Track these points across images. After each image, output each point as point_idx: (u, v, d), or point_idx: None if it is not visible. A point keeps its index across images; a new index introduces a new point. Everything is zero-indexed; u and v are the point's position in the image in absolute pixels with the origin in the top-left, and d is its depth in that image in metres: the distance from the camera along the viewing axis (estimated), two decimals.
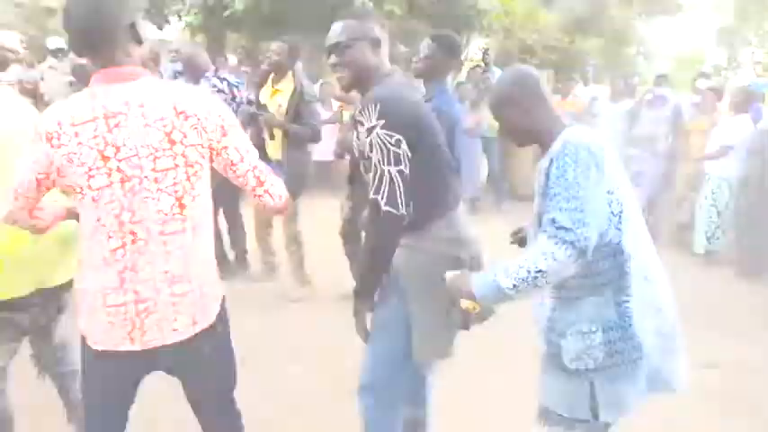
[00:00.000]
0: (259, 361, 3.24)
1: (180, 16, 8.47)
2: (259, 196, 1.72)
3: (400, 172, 1.82)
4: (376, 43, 1.96)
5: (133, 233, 1.51)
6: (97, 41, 1.47)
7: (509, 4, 8.48)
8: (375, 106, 1.82)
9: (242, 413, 1.88)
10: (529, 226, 1.97)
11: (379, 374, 2.06)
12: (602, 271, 1.70)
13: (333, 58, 1.97)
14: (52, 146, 1.45)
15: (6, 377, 2.06)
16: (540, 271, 1.56)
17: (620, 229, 1.68)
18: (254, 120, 4.25)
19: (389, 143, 1.81)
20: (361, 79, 1.96)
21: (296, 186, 3.77)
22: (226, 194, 4.00)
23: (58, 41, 6.80)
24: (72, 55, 4.55)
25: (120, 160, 1.47)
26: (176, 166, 1.52)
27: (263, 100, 4.28)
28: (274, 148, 4.21)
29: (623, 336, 1.71)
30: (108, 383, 1.65)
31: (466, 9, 8.40)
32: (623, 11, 15.14)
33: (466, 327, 2.06)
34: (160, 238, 1.53)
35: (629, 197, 1.75)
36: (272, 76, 4.26)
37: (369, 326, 2.03)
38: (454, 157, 2.98)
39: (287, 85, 4.16)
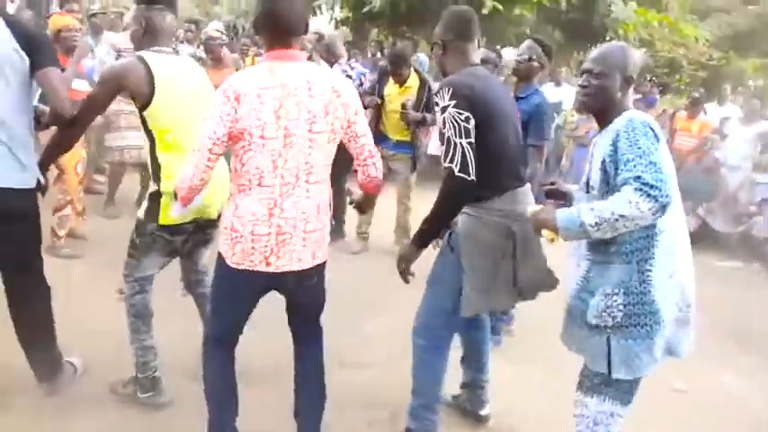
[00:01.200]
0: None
1: (325, 10, 9.21)
2: (366, 166, 2.16)
3: (470, 144, 2.12)
4: (449, 44, 2.33)
5: (283, 176, 1.94)
6: (293, 29, 1.96)
7: (645, 15, 8.18)
8: (448, 90, 2.16)
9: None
10: (576, 190, 2.21)
11: (430, 319, 2.43)
12: (632, 240, 1.92)
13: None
14: (240, 103, 1.87)
15: (152, 282, 2.59)
16: (622, 215, 1.78)
17: None
18: (373, 106, 4.91)
19: (460, 119, 2.12)
20: (444, 71, 2.36)
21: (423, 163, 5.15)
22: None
23: (219, 25, 7.77)
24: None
25: (288, 120, 1.91)
26: (325, 131, 1.97)
27: (387, 91, 4.91)
28: (396, 131, 4.91)
29: (642, 300, 1.92)
30: (238, 294, 2.09)
31: (600, 18, 8.29)
32: None
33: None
34: (305, 185, 1.98)
35: (673, 180, 1.90)
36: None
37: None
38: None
39: (413, 81, 4.84)
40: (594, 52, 2.10)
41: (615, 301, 1.95)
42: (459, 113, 2.12)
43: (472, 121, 2.12)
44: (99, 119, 3.14)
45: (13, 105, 2.25)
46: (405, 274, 2.34)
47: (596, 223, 1.82)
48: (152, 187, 2.42)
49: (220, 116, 1.89)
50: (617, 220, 1.79)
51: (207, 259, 2.72)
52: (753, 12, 13.86)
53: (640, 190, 1.76)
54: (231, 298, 2.12)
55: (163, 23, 2.41)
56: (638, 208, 1.76)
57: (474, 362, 2.74)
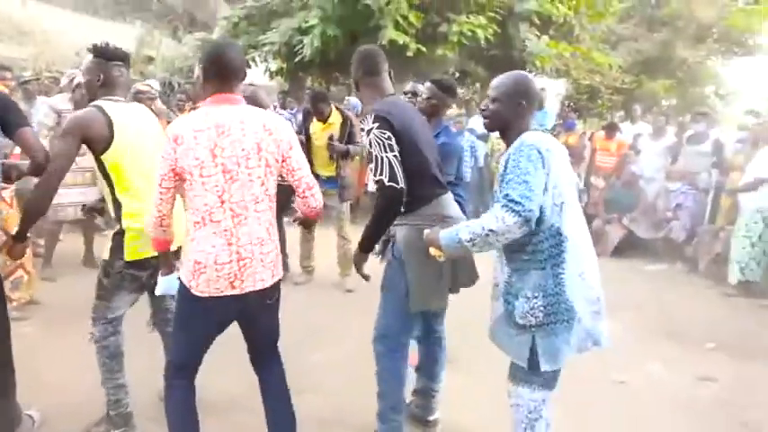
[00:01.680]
0: None
1: (259, 62, 9.48)
2: (306, 197, 2.33)
3: (395, 157, 2.39)
4: (363, 80, 2.61)
5: (232, 209, 2.11)
6: (234, 75, 2.17)
7: (557, 47, 8.84)
8: (371, 116, 2.45)
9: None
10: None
11: (387, 326, 2.64)
12: (544, 249, 2.19)
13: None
14: (178, 144, 2.06)
15: (122, 323, 2.68)
16: (491, 230, 2.06)
17: (560, 217, 2.18)
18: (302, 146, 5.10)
19: (383, 138, 2.40)
20: (365, 102, 2.68)
21: (350, 194, 5.37)
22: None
23: (154, 83, 7.92)
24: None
25: (224, 157, 2.09)
26: (260, 166, 2.15)
27: (312, 129, 5.22)
28: (324, 167, 5.18)
29: (558, 300, 2.18)
30: (203, 321, 2.22)
31: (519, 53, 8.89)
32: (694, 51, 15.01)
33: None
34: (255, 214, 2.16)
35: (570, 192, 2.24)
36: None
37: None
38: (460, 178, 3.54)
39: (336, 118, 5.14)
40: (495, 80, 2.37)
41: (536, 303, 2.20)
42: (382, 133, 2.39)
43: (393, 141, 2.40)
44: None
45: None
46: (362, 275, 2.58)
47: (470, 239, 2.11)
48: (115, 227, 2.54)
49: (163, 156, 2.09)
50: (487, 234, 2.07)
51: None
52: (658, 39, 15.02)
53: (506, 206, 2.04)
54: (196, 326, 2.24)
55: (119, 78, 2.59)
56: (504, 222, 2.04)
57: (428, 371, 2.93)
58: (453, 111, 7.67)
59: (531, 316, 2.20)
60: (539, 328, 2.20)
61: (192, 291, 2.15)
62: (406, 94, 4.16)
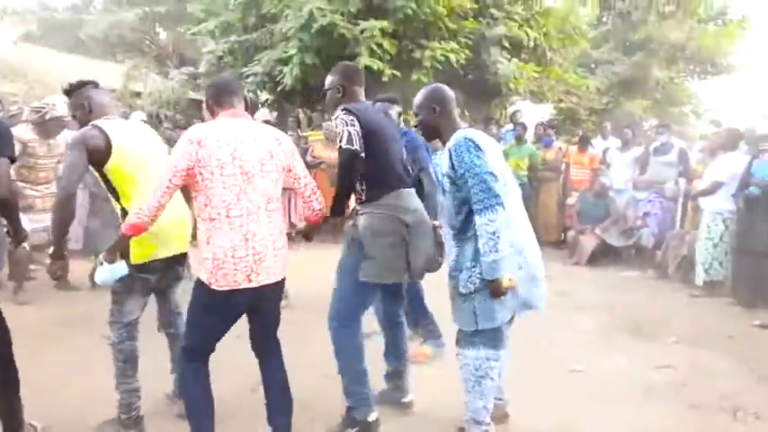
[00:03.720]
0: None
1: (246, 93, 9.82)
2: (311, 202, 2.68)
3: (356, 131, 2.69)
4: (340, 89, 2.91)
5: (248, 208, 2.33)
6: (237, 95, 2.54)
7: (525, 69, 9.21)
8: (341, 108, 2.78)
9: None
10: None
11: (342, 305, 2.85)
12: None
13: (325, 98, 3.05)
14: (200, 146, 2.29)
15: (138, 328, 2.79)
16: (491, 233, 2.40)
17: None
18: None
19: (348, 119, 2.71)
20: (335, 108, 2.91)
21: None
22: None
23: (141, 115, 8.22)
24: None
25: (242, 161, 2.35)
26: (273, 170, 2.44)
27: None
28: None
29: None
30: (221, 313, 2.40)
31: (493, 76, 9.25)
32: (668, 72, 15.51)
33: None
34: (266, 212, 2.40)
35: (505, 172, 2.59)
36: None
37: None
38: (422, 168, 3.83)
39: None
40: (415, 98, 2.82)
41: (474, 271, 2.52)
42: (347, 116, 2.73)
43: (357, 123, 2.70)
44: None
45: None
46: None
47: (489, 251, 2.41)
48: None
49: (182, 154, 2.30)
50: (491, 237, 2.40)
51: (179, 298, 2.98)
52: (633, 61, 15.49)
53: (480, 211, 2.41)
54: (214, 318, 2.41)
55: (104, 98, 2.82)
56: (491, 220, 2.40)
57: (395, 353, 3.14)
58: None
59: (470, 283, 2.51)
60: (477, 293, 2.50)
61: (212, 286, 2.32)
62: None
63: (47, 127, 4.82)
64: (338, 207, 2.82)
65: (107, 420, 2.78)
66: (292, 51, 8.53)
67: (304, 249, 5.16)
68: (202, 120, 7.26)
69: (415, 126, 2.87)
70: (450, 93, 2.77)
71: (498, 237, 2.38)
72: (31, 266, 5.40)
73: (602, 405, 3.26)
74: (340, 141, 2.69)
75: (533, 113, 13.44)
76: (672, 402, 3.35)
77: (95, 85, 2.84)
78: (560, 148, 8.73)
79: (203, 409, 2.46)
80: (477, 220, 2.43)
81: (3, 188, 2.53)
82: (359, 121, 2.71)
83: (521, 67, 9.02)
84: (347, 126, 2.69)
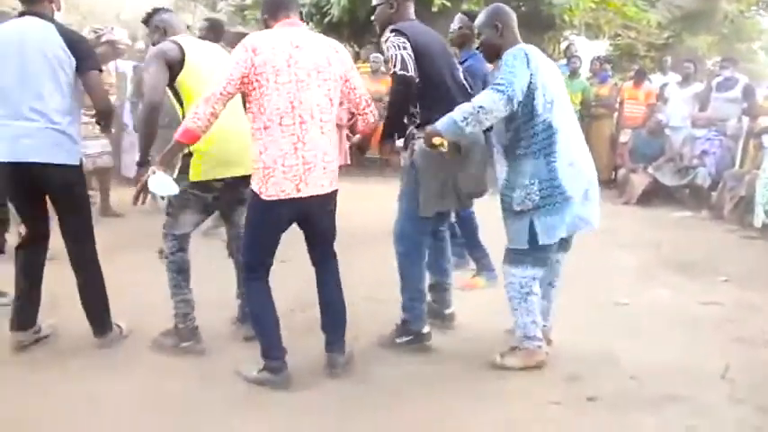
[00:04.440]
0: None
1: None
2: (365, 114, 2.67)
3: (408, 54, 2.64)
4: (391, 5, 2.86)
5: (300, 116, 2.35)
6: (292, 4, 2.52)
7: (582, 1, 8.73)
8: (391, 30, 2.74)
9: None
10: None
11: (404, 227, 2.93)
12: (538, 140, 2.54)
13: (373, 16, 2.97)
14: (255, 54, 2.30)
15: (189, 240, 2.88)
16: (481, 107, 2.42)
17: (551, 112, 2.53)
18: None
19: (399, 42, 2.67)
20: (384, 28, 2.86)
21: None
22: None
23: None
24: None
25: (298, 68, 2.35)
26: (330, 78, 2.43)
27: None
28: None
29: (551, 185, 2.55)
30: (273, 224, 2.47)
31: (547, 7, 8.84)
32: (736, 6, 14.44)
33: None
34: (319, 123, 2.41)
35: (560, 93, 2.61)
36: None
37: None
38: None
39: None
40: (477, 18, 2.78)
41: (533, 188, 2.55)
42: (398, 38, 2.67)
43: (408, 45, 2.66)
44: None
45: (64, 97, 2.66)
46: (391, 153, 2.95)
47: (464, 118, 2.44)
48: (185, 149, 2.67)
49: (237, 62, 2.30)
50: (478, 111, 2.41)
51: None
52: None
53: (494, 87, 2.42)
54: (267, 228, 2.49)
55: (176, 21, 2.92)
56: (491, 99, 2.40)
57: (438, 267, 3.22)
58: None
59: (529, 200, 2.55)
60: (535, 210, 2.55)
61: (262, 197, 2.38)
62: None
63: (102, 51, 4.92)
64: (390, 132, 2.83)
65: (165, 331, 2.91)
66: None
67: (346, 182, 5.22)
68: None
69: (477, 48, 2.82)
70: (511, 11, 2.72)
71: (481, 116, 2.40)
72: (90, 192, 5.67)
73: (645, 337, 3.26)
74: (393, 66, 2.63)
75: (588, 50, 12.85)
76: (716, 336, 3.32)
77: (167, 10, 2.98)
78: (615, 84, 8.39)
79: (270, 321, 2.56)
80: (483, 92, 2.48)
81: (101, 99, 2.70)
82: (410, 43, 2.66)
83: None
84: (399, 49, 2.63)
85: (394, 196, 3.15)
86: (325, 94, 2.43)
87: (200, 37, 4.53)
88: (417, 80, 2.66)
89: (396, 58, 2.63)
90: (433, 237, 3.15)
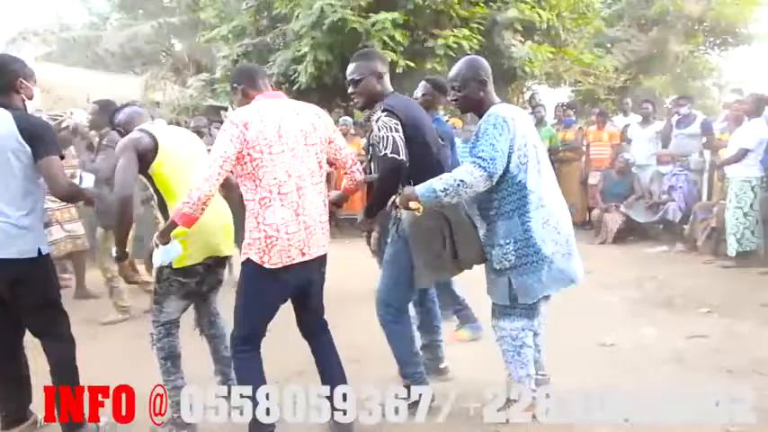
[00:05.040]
0: None
1: None
2: (353, 172, 2.73)
3: (400, 137, 2.60)
4: (380, 75, 2.79)
5: (296, 183, 2.38)
6: (264, 77, 2.61)
7: (540, 51, 9.10)
8: (381, 106, 2.70)
9: None
10: None
11: (389, 294, 2.89)
12: (511, 201, 2.54)
13: (351, 89, 2.83)
14: (247, 129, 2.31)
15: (179, 326, 2.80)
16: (462, 181, 2.43)
17: (525, 173, 2.53)
18: None
19: (391, 123, 2.61)
20: (370, 101, 2.83)
21: None
22: None
23: (162, 123, 8.33)
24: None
25: (288, 137, 2.39)
26: (317, 143, 2.49)
27: None
28: None
29: (527, 245, 2.54)
30: (274, 292, 2.46)
31: (508, 60, 9.18)
32: (687, 46, 15.18)
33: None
34: (312, 186, 2.45)
35: (536, 153, 2.58)
36: None
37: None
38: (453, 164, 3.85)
39: None
40: (451, 71, 2.74)
41: (508, 248, 2.55)
42: (390, 119, 2.63)
43: (401, 128, 2.62)
44: None
45: (18, 189, 2.52)
46: (368, 236, 2.93)
47: (443, 189, 2.45)
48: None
49: (230, 139, 2.31)
50: (458, 185, 2.43)
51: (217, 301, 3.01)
52: (650, 38, 15.23)
53: (475, 162, 2.43)
54: (269, 298, 2.47)
55: (135, 115, 2.93)
56: (472, 175, 2.42)
57: (428, 327, 3.23)
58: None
59: (505, 260, 2.55)
60: (512, 269, 2.55)
61: (265, 265, 2.36)
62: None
63: (62, 136, 4.93)
64: (374, 211, 2.82)
65: (160, 422, 2.76)
66: (305, 49, 8.58)
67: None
68: (221, 122, 7.36)
69: (454, 101, 2.75)
70: (486, 64, 2.72)
71: (458, 189, 2.41)
72: (64, 275, 5.57)
73: (634, 376, 3.24)
74: (384, 148, 2.59)
75: (551, 98, 13.30)
76: (706, 368, 3.31)
77: (129, 105, 3.06)
78: (581, 128, 8.64)
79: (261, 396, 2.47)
80: (463, 165, 2.46)
81: (58, 185, 2.56)
82: (401, 124, 2.63)
83: (535, 48, 8.93)
84: (391, 132, 2.59)
85: (367, 256, 3.14)
86: (315, 159, 2.48)
87: (90, 121, 4.65)
88: (407, 165, 2.62)
89: (387, 140, 2.58)
90: (422, 303, 3.17)
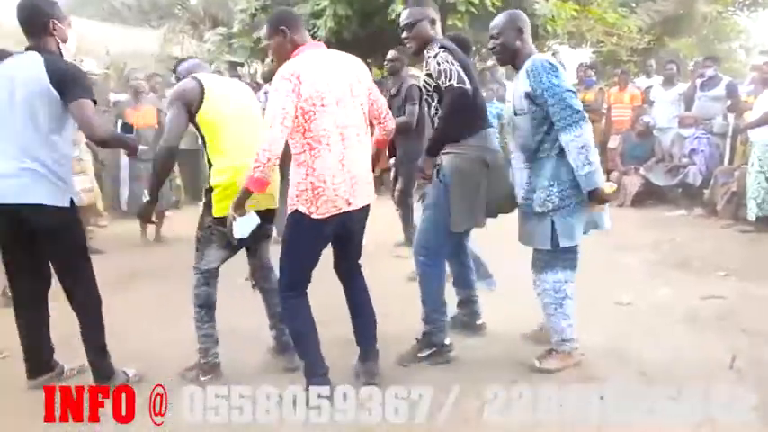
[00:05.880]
0: None
1: None
2: (386, 122, 2.75)
3: (461, 68, 2.64)
4: (433, 21, 2.85)
5: (342, 134, 2.42)
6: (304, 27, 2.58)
7: (565, 8, 8.89)
8: (436, 44, 2.75)
9: None
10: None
11: (428, 238, 2.94)
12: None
13: (404, 34, 2.88)
14: (300, 82, 2.31)
15: (217, 276, 2.84)
16: (584, 145, 2.50)
17: None
18: None
19: (449, 58, 2.67)
20: (423, 46, 2.85)
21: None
22: None
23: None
24: None
25: (336, 88, 2.41)
26: (362, 94, 2.53)
27: None
28: None
29: (570, 185, 2.62)
30: (319, 241, 2.53)
31: (529, 17, 8.97)
32: (715, 6, 14.70)
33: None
34: (357, 138, 2.49)
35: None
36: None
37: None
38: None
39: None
40: (492, 23, 2.80)
41: (552, 190, 2.62)
42: (447, 54, 2.68)
43: (457, 61, 2.67)
44: None
45: (49, 135, 2.49)
46: (427, 177, 2.87)
47: (583, 163, 2.51)
48: (206, 184, 2.73)
49: (286, 94, 2.31)
50: (580, 151, 2.50)
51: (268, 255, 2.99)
52: None
53: (576, 120, 2.49)
54: (313, 246, 2.53)
55: (197, 67, 2.93)
56: (576, 136, 2.49)
57: (464, 282, 3.30)
58: None
59: (549, 201, 2.62)
60: (555, 211, 2.62)
61: (313, 216, 2.41)
62: None
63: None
64: (436, 146, 2.81)
65: (189, 366, 2.86)
66: (325, 3, 8.45)
67: None
68: (239, 78, 7.31)
69: (492, 48, 2.84)
70: (526, 17, 2.81)
71: (588, 149, 2.48)
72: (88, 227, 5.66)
73: (650, 334, 3.29)
74: (449, 79, 2.60)
75: (572, 58, 13.04)
76: (720, 329, 3.35)
77: (190, 58, 3.11)
78: (601, 89, 8.51)
79: (314, 338, 2.58)
80: (563, 137, 2.51)
81: (90, 128, 2.48)
82: (457, 60, 2.68)
83: (559, 6, 8.72)
84: (453, 64, 2.63)
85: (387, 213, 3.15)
86: (360, 110, 2.52)
87: None
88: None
89: (451, 72, 2.61)
90: (458, 254, 3.22)
